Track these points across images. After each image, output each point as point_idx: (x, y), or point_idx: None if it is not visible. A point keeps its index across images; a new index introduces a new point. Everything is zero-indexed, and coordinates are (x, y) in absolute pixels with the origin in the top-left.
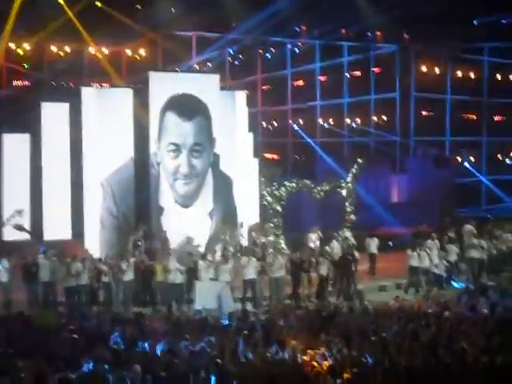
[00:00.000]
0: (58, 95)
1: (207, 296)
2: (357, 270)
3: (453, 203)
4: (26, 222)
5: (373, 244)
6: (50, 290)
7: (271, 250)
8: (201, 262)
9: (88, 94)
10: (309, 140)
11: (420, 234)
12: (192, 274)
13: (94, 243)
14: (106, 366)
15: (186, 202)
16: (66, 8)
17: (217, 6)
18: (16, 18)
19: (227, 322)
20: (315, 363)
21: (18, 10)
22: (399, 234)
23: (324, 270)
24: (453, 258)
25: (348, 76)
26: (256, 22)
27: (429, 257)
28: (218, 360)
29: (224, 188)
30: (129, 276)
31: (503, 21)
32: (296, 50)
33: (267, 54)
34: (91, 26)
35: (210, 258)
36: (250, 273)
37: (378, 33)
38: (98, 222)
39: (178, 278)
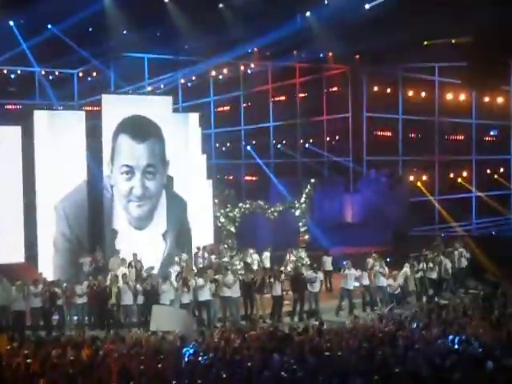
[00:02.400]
0: (10, 118)
1: (165, 319)
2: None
3: (407, 222)
4: None
5: (328, 262)
6: (1, 314)
7: (225, 271)
8: (164, 285)
9: (40, 116)
10: (262, 161)
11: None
12: (149, 296)
13: (48, 266)
14: None
15: (140, 224)
16: (17, 31)
17: (169, 28)
18: None
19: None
20: None
21: None
22: (353, 254)
23: (278, 290)
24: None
25: (300, 97)
26: (208, 43)
27: (382, 276)
28: None
29: (178, 210)
30: (82, 299)
31: (453, 41)
32: (248, 71)
33: (220, 76)
34: (42, 48)
35: (171, 280)
36: (205, 294)
37: (330, 54)
38: (51, 245)
39: (134, 300)
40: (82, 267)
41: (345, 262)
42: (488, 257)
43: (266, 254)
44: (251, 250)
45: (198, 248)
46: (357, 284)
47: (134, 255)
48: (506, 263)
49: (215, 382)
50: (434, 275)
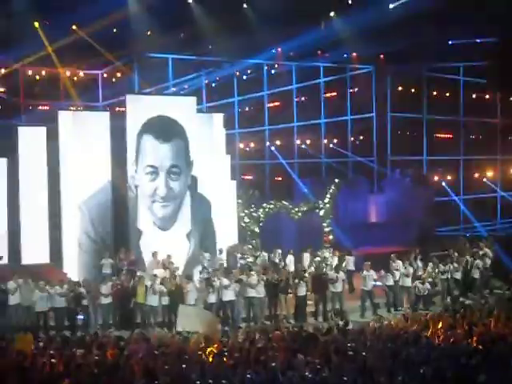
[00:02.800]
0: (35, 119)
1: (190, 319)
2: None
3: (431, 222)
4: (4, 246)
5: (350, 261)
6: (25, 314)
7: (249, 271)
8: (188, 285)
9: (65, 117)
10: (286, 161)
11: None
12: (175, 296)
13: (73, 266)
14: None
15: (164, 224)
16: (41, 32)
17: (193, 28)
18: None
19: None
20: None
21: None
22: (378, 254)
23: (302, 290)
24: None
25: (325, 97)
26: (232, 44)
27: (406, 276)
28: None
29: (202, 210)
30: (107, 299)
31: (478, 40)
32: (272, 71)
33: (244, 76)
34: (67, 49)
35: (196, 280)
36: (229, 294)
37: (354, 54)
38: (76, 245)
39: (161, 300)
40: (102, 268)
41: (365, 263)
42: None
43: (290, 258)
44: (279, 251)
45: (221, 249)
46: (379, 283)
47: (168, 256)
48: None
49: (240, 382)
50: (458, 275)
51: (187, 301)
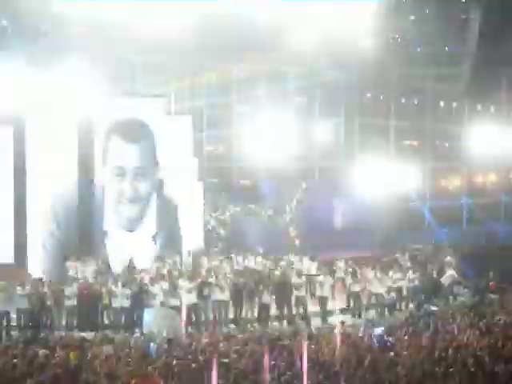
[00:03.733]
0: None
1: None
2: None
3: (395, 228)
4: None
5: (314, 266)
6: None
7: (214, 275)
8: (151, 287)
9: (32, 118)
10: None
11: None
12: (137, 298)
13: (37, 267)
14: None
15: (130, 225)
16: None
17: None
18: None
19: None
20: None
21: None
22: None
23: (265, 294)
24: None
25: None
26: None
27: (376, 280)
28: None
29: (168, 212)
30: (72, 301)
31: (446, 48)
32: (241, 74)
33: (213, 79)
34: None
35: (160, 282)
36: (192, 297)
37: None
38: (40, 245)
39: (124, 302)
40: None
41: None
42: (475, 264)
43: (256, 261)
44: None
45: (189, 251)
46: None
47: (132, 259)
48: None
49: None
50: (422, 282)
51: (151, 303)
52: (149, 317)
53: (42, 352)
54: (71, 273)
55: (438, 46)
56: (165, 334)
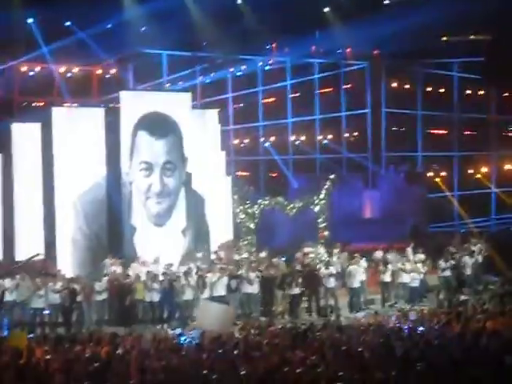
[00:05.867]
0: (29, 115)
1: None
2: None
3: (425, 219)
4: None
5: (343, 257)
6: (20, 311)
7: (243, 267)
8: (183, 281)
9: (59, 113)
10: (280, 157)
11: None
12: (167, 293)
13: (67, 263)
14: None
15: (159, 220)
16: (36, 29)
17: (188, 24)
18: None
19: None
20: None
21: None
22: (372, 250)
23: (295, 287)
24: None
25: (319, 93)
26: (227, 40)
27: (402, 272)
28: None
29: (197, 206)
30: (102, 296)
31: (471, 37)
32: (267, 67)
33: (238, 72)
34: (61, 46)
35: (190, 276)
36: (220, 290)
37: (348, 50)
38: (70, 241)
39: (154, 297)
40: (104, 268)
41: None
42: (504, 253)
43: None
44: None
45: (217, 245)
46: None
47: (160, 254)
48: None
49: (234, 377)
50: (453, 271)
51: (181, 297)
52: (202, 311)
53: (73, 348)
54: (106, 270)
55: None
56: (216, 329)
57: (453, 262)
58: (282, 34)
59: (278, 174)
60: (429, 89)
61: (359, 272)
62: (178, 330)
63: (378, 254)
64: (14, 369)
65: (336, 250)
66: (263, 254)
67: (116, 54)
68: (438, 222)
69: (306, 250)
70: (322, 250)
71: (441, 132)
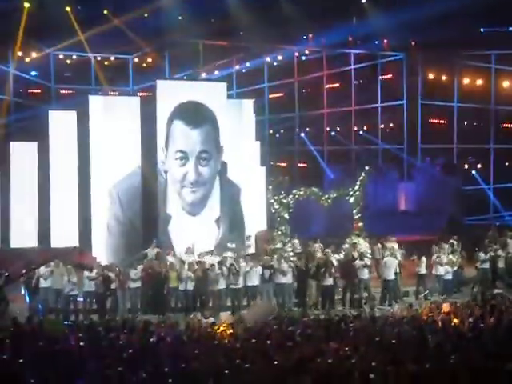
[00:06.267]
0: (66, 103)
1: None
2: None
3: (461, 211)
4: (34, 230)
5: (377, 249)
6: (55, 297)
7: (276, 257)
8: (217, 270)
9: (95, 102)
10: (316, 148)
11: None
12: (201, 281)
13: (102, 250)
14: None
15: (193, 209)
16: (73, 17)
17: (224, 14)
18: (25, 27)
19: None
20: None
21: (27, 19)
22: (406, 242)
23: (329, 277)
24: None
25: (355, 84)
26: (264, 30)
27: (438, 264)
28: None
29: (231, 196)
30: (136, 284)
31: (510, 28)
32: (303, 57)
33: (274, 62)
34: (98, 34)
35: (225, 266)
36: (254, 279)
37: (385, 40)
38: (105, 229)
39: (188, 285)
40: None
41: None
42: None
43: (318, 245)
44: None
45: (249, 236)
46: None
47: (195, 243)
48: None
49: (267, 366)
50: (488, 264)
51: (214, 286)
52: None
53: (107, 335)
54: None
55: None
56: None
57: (492, 254)
58: (319, 24)
59: (313, 164)
60: (466, 80)
61: (394, 264)
62: (211, 319)
63: (413, 246)
64: (48, 355)
65: (371, 241)
66: (296, 242)
67: (152, 42)
68: (473, 214)
69: (352, 240)
70: (356, 240)
71: (477, 124)
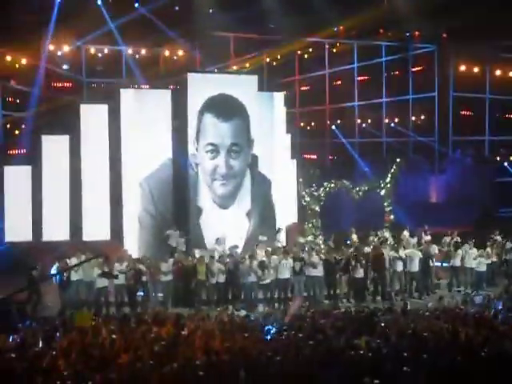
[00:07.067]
0: (97, 96)
1: None
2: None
3: (493, 203)
4: (66, 223)
5: (410, 242)
6: (86, 290)
7: (307, 250)
8: (248, 263)
9: (126, 95)
10: (347, 140)
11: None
12: (232, 274)
13: (133, 243)
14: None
15: (224, 202)
16: (104, 9)
17: (255, 6)
18: (56, 21)
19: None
20: None
21: (58, 13)
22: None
23: (360, 270)
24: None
25: (386, 76)
26: (294, 22)
27: (470, 256)
28: None
29: (262, 189)
30: (167, 277)
31: None
32: (334, 50)
33: (305, 55)
34: (129, 27)
35: (255, 258)
36: (285, 272)
37: (417, 33)
38: (136, 222)
39: (220, 278)
40: (168, 239)
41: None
42: None
43: (353, 235)
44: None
45: (279, 228)
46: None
47: (226, 236)
48: None
49: (297, 359)
50: None
51: (245, 279)
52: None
53: (138, 328)
54: (172, 243)
55: None
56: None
57: None
58: (350, 17)
59: (344, 157)
60: (498, 72)
61: (417, 256)
62: (243, 312)
63: (447, 239)
64: (80, 347)
65: (402, 234)
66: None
67: (184, 35)
68: (506, 206)
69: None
70: (387, 233)
71: (509, 116)
